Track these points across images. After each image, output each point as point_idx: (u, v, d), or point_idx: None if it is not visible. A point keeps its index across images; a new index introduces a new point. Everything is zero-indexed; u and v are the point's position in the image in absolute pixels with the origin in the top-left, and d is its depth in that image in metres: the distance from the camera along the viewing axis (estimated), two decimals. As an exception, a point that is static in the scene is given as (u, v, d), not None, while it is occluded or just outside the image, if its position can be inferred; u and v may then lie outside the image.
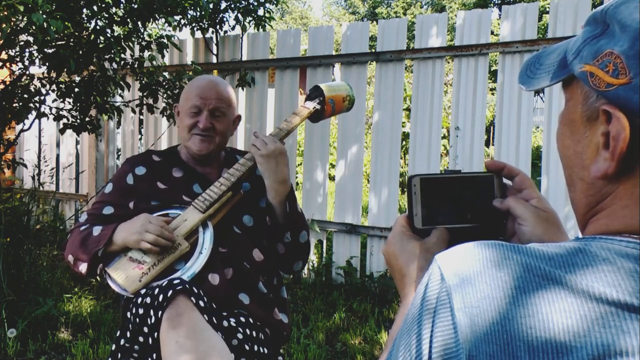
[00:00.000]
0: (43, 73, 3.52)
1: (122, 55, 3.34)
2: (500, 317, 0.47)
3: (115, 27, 3.34)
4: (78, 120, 3.65)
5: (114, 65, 3.47)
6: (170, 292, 1.26)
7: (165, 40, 3.51)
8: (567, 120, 0.58)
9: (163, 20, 3.63)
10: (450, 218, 0.75)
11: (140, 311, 1.28)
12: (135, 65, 3.54)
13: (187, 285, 1.29)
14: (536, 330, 0.46)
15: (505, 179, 0.78)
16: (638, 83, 0.48)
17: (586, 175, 0.55)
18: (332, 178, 6.86)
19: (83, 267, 1.50)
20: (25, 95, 3.38)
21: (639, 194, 0.51)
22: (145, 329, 1.28)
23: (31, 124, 3.71)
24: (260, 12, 4.15)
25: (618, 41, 0.50)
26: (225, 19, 4.22)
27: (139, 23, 3.34)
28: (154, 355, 1.28)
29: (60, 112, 3.66)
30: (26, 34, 3.00)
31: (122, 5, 3.22)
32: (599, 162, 0.53)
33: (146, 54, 3.56)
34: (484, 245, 0.53)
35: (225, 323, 1.35)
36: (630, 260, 0.47)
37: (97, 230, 1.51)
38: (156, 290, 1.28)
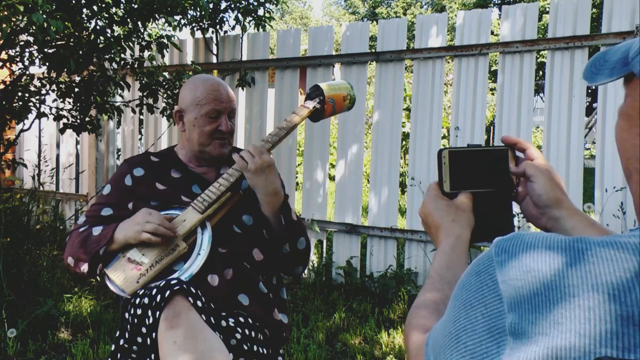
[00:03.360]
0: (43, 73, 3.52)
1: (122, 55, 3.34)
2: (544, 287, 0.51)
3: (115, 27, 3.34)
4: (78, 120, 3.66)
5: (114, 65, 3.47)
6: (168, 292, 1.26)
7: (165, 40, 3.51)
8: (625, 115, 0.61)
9: (163, 20, 3.63)
10: (473, 183, 0.91)
11: (138, 311, 1.28)
12: (135, 65, 3.54)
13: (184, 286, 1.29)
14: (579, 298, 0.48)
15: (518, 152, 0.93)
16: None
17: None
18: (332, 178, 6.86)
19: (84, 267, 1.50)
20: (26, 95, 3.38)
21: None
22: (144, 330, 1.28)
23: (31, 124, 3.71)
24: (260, 12, 4.15)
25: None
26: (225, 19, 4.22)
27: (139, 23, 3.34)
28: (153, 356, 1.27)
29: (60, 112, 3.66)
30: (26, 34, 3.00)
31: (122, 5, 3.22)
32: None
33: (146, 54, 3.56)
34: (541, 233, 0.58)
35: (223, 323, 1.35)
36: None
37: (97, 230, 1.51)
38: (154, 291, 1.28)
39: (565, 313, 0.48)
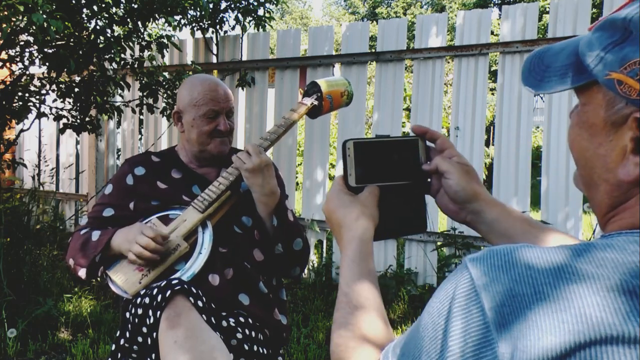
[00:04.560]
0: (43, 73, 3.52)
1: (122, 55, 3.34)
2: (532, 313, 0.48)
3: (115, 27, 3.34)
4: (78, 120, 3.66)
5: (114, 65, 3.47)
6: (169, 292, 1.26)
7: (165, 40, 3.51)
8: (585, 124, 0.59)
9: (163, 20, 3.63)
10: (381, 176, 0.85)
11: (139, 311, 1.28)
12: (135, 65, 3.54)
13: (185, 286, 1.29)
14: (569, 324, 0.47)
15: (428, 142, 0.88)
16: None
17: (611, 177, 0.56)
18: (332, 178, 6.86)
19: (82, 272, 1.51)
20: (26, 95, 3.38)
21: None
22: (144, 329, 1.28)
23: (31, 124, 3.71)
24: (260, 12, 4.15)
25: None
26: (225, 19, 4.22)
27: (139, 23, 3.34)
28: (153, 356, 1.27)
29: (60, 112, 3.66)
30: (26, 34, 3.00)
31: (122, 5, 3.22)
32: (628, 166, 0.54)
33: (146, 54, 3.56)
34: (513, 247, 0.54)
35: (224, 323, 1.35)
36: None
37: (95, 235, 1.52)
38: (155, 291, 1.29)
39: (555, 340, 0.46)
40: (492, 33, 3.59)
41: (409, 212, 0.88)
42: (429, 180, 0.87)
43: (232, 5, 4.09)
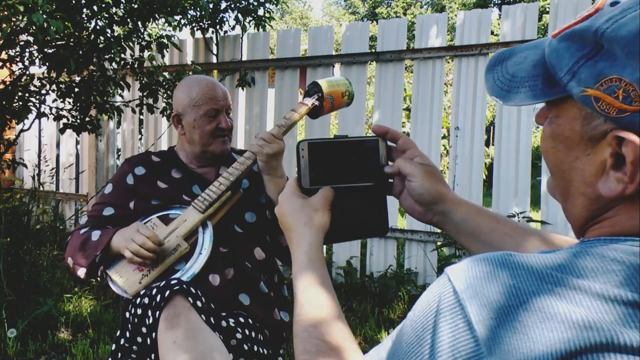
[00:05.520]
0: (43, 73, 3.52)
1: (122, 55, 3.34)
2: (520, 325, 0.47)
3: (115, 27, 3.34)
4: (78, 120, 3.66)
5: (114, 65, 3.47)
6: (168, 292, 1.26)
7: (165, 40, 3.51)
8: (559, 136, 0.57)
9: (163, 20, 3.63)
10: (337, 178, 0.82)
11: (139, 311, 1.28)
12: (135, 65, 3.54)
13: (184, 286, 1.30)
14: (558, 331, 0.46)
15: (390, 142, 0.86)
16: None
17: (589, 191, 0.55)
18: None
19: (81, 272, 1.51)
20: (26, 95, 3.38)
21: None
22: (144, 329, 1.28)
23: (31, 124, 3.71)
24: (260, 12, 4.15)
25: (625, 67, 0.49)
26: (225, 19, 4.22)
27: (139, 23, 3.34)
28: (153, 356, 1.27)
29: (60, 112, 3.66)
30: (26, 34, 3.00)
31: (122, 5, 3.22)
32: (609, 182, 0.53)
33: (146, 54, 3.56)
34: (494, 257, 0.53)
35: (223, 323, 1.35)
36: (638, 257, 0.48)
37: (95, 235, 1.52)
38: (154, 291, 1.29)
39: (545, 350, 0.45)
40: (492, 33, 3.59)
41: (369, 214, 0.86)
42: (390, 181, 0.85)
43: (232, 5, 4.09)
